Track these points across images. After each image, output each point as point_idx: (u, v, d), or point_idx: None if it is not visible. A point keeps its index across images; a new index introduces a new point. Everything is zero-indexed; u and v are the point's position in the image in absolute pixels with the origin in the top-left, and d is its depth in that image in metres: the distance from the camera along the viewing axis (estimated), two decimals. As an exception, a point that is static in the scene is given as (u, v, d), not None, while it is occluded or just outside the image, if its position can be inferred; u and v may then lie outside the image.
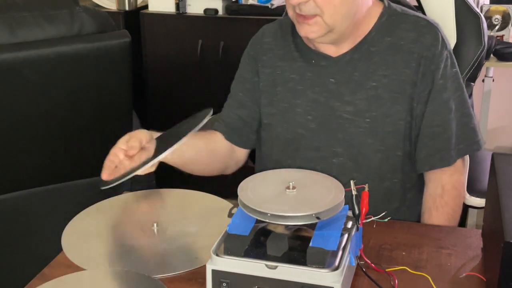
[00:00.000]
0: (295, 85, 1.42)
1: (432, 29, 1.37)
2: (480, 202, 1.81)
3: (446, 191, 1.40)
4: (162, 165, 1.29)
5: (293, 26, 1.40)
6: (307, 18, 1.29)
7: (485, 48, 1.61)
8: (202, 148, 1.46)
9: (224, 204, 1.37)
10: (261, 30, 1.52)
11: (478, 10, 1.63)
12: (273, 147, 1.47)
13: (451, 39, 1.56)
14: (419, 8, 1.62)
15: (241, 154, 1.54)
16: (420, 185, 1.46)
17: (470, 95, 1.61)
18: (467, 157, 1.52)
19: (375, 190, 1.30)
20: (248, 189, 1.08)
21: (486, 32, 1.62)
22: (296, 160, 1.42)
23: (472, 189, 1.82)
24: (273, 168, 1.24)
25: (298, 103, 1.41)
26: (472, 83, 1.63)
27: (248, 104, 1.50)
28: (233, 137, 1.51)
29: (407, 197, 1.44)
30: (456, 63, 1.41)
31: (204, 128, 1.27)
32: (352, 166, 1.38)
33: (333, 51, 1.38)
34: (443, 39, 1.37)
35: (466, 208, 1.81)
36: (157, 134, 1.31)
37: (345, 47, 1.37)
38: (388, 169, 1.39)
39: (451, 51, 1.40)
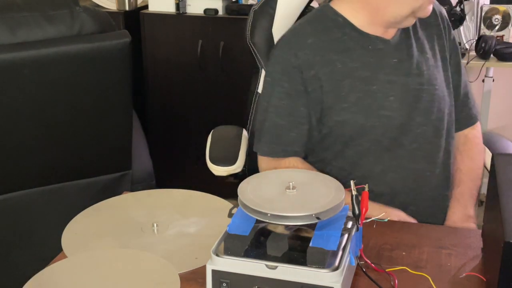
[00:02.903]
0: (362, 73, 1.45)
1: (444, 15, 1.60)
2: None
3: (468, 139, 1.61)
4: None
5: (333, 23, 1.46)
6: None
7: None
8: None
9: (224, 204, 1.37)
10: (298, 38, 1.48)
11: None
12: (353, 140, 1.46)
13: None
14: None
15: None
16: None
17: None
18: None
19: (445, 148, 1.52)
20: (248, 189, 1.08)
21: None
22: (382, 143, 1.46)
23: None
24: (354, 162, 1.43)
25: (374, 88, 1.45)
26: None
27: (311, 115, 1.47)
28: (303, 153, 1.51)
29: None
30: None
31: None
32: (432, 132, 1.50)
33: (387, 34, 1.48)
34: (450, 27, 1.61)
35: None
36: None
37: (393, 30, 1.49)
38: (451, 131, 1.56)
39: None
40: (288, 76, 1.47)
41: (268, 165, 1.51)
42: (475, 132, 1.64)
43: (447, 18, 1.60)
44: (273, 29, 1.74)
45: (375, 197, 1.35)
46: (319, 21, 1.50)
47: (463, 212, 1.49)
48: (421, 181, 1.49)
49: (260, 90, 1.75)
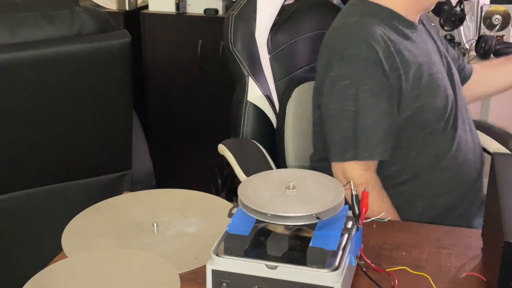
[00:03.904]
0: (422, 58, 1.50)
1: None
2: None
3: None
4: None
5: (380, 13, 1.50)
6: None
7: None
8: None
9: (224, 204, 1.37)
10: (362, 33, 1.44)
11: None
12: (432, 123, 1.51)
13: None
14: None
15: None
16: None
17: None
18: None
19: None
20: (248, 189, 1.08)
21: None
22: (454, 123, 1.54)
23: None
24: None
25: (434, 71, 1.51)
26: None
27: (394, 109, 1.46)
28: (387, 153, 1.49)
29: None
30: None
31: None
32: (465, 106, 1.61)
33: (416, 20, 1.57)
34: None
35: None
36: None
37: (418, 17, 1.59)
38: None
39: None
40: (371, 73, 1.43)
41: (366, 172, 1.46)
42: None
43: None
44: (256, 35, 1.71)
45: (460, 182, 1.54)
46: (369, 14, 1.48)
47: None
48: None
49: (250, 98, 1.72)
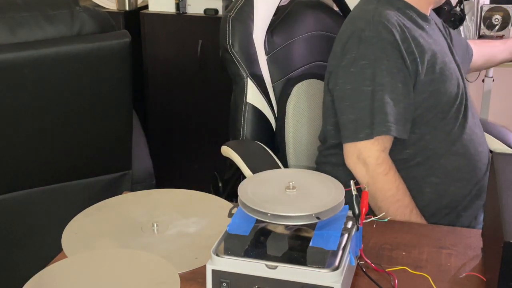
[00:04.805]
0: (436, 47, 1.55)
1: None
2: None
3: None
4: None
5: (396, 5, 1.54)
6: None
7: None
8: None
9: (224, 204, 1.37)
10: (379, 17, 1.48)
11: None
12: (442, 111, 1.53)
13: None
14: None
15: None
16: None
17: None
18: None
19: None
20: (248, 189, 1.08)
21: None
22: (464, 111, 1.57)
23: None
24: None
25: (447, 60, 1.56)
26: None
27: (410, 91, 1.49)
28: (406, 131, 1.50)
29: None
30: None
31: None
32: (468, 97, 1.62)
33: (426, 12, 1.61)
34: None
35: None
36: None
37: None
38: None
39: None
40: (388, 54, 1.46)
41: (382, 152, 1.46)
42: None
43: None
44: (254, 35, 1.71)
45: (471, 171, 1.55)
46: (386, 3, 1.54)
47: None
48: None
49: (249, 100, 1.71)
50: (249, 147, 1.70)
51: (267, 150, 1.65)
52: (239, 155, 1.60)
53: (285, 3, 1.94)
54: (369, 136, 1.44)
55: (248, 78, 1.71)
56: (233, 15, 1.69)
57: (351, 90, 1.48)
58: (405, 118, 1.47)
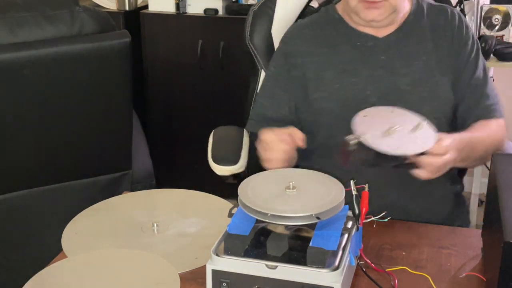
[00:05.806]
0: (346, 66, 1.52)
1: (456, 14, 1.58)
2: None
3: (490, 123, 1.52)
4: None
5: (330, 19, 1.57)
6: (375, 3, 1.45)
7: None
8: None
9: (224, 204, 1.37)
10: (294, 28, 1.62)
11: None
12: (330, 129, 1.50)
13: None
14: None
15: None
16: None
17: None
18: None
19: None
20: (248, 189, 1.08)
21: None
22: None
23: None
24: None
25: (354, 81, 1.51)
26: None
27: (290, 99, 1.56)
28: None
29: None
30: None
31: None
32: None
33: (378, 33, 1.53)
34: (466, 23, 1.58)
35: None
36: None
37: (388, 29, 1.53)
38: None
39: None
40: (276, 61, 1.59)
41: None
42: (494, 121, 1.54)
43: (461, 18, 1.58)
44: (272, 30, 1.75)
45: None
46: (319, 17, 1.62)
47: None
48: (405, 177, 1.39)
49: (259, 90, 1.76)
50: (227, 132, 1.78)
51: (241, 137, 1.70)
52: (213, 137, 1.70)
53: (316, 5, 1.92)
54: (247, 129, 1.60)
55: (262, 70, 1.77)
56: (255, 9, 1.77)
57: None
58: (277, 120, 1.54)
